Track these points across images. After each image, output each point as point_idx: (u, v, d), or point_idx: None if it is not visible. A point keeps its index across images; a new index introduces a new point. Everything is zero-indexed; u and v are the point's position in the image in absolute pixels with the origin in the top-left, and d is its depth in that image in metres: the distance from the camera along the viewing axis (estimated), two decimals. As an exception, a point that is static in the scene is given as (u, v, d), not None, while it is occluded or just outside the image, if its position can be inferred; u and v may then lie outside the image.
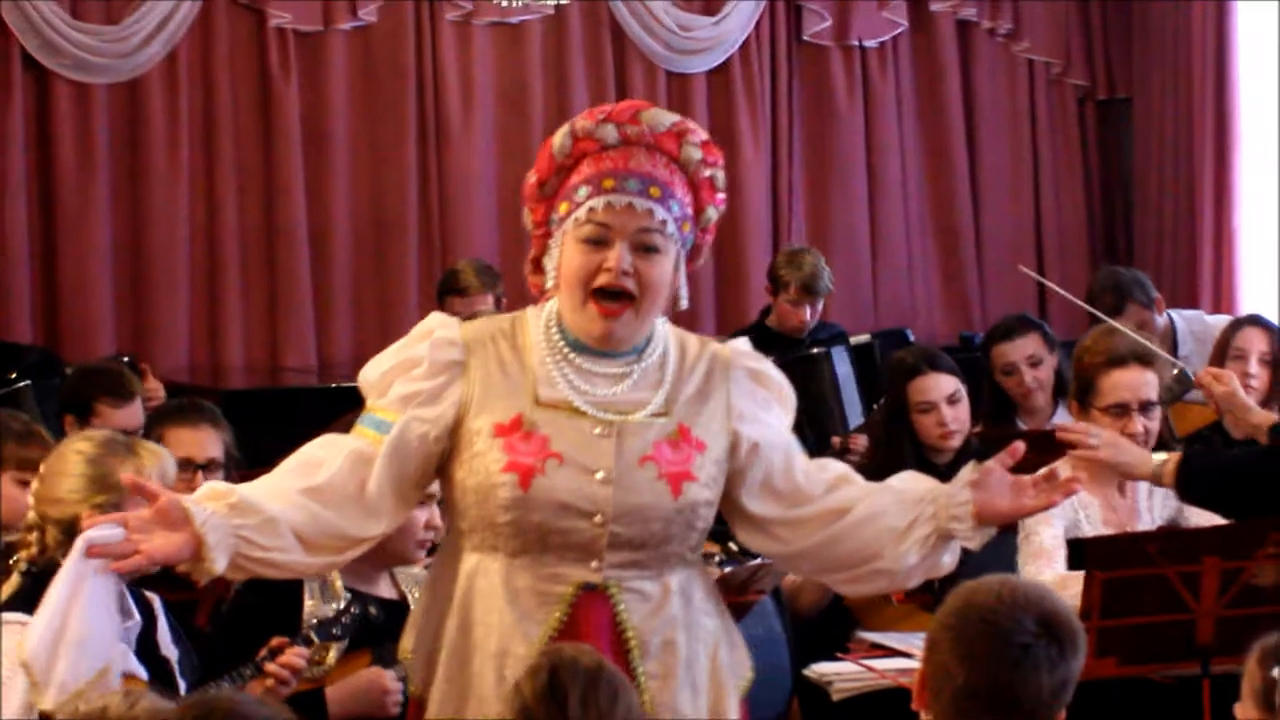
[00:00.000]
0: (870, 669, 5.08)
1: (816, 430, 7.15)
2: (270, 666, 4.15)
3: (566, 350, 3.61)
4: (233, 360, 9.34)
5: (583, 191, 3.56)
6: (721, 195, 3.71)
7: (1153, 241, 10.30)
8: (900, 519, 3.62)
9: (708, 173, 3.66)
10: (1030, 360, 6.72)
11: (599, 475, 3.53)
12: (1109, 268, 8.66)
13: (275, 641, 4.23)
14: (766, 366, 3.76)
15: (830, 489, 3.68)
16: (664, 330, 3.68)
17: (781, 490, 3.67)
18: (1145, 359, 5.34)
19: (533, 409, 3.56)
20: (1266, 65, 9.68)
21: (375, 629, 4.40)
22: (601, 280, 3.54)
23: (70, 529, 4.21)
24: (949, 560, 3.66)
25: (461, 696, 3.57)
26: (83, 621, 3.26)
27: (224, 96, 9.38)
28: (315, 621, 4.32)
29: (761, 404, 3.70)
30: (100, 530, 3.26)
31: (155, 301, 9.22)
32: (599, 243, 3.54)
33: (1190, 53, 9.96)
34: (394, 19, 9.61)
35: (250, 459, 5.78)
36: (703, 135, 3.66)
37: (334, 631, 4.30)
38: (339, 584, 4.56)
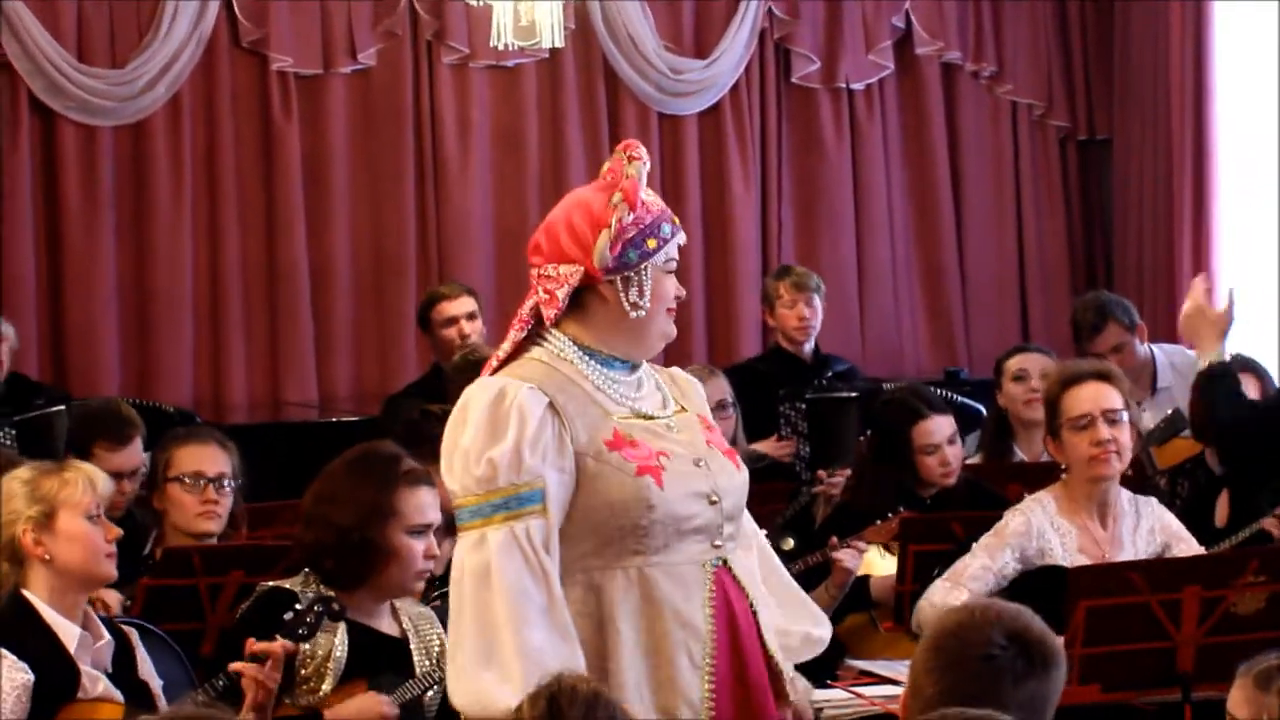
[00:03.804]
0: (859, 695, 5.15)
1: (821, 465, 7.18)
2: (239, 665, 4.15)
3: (603, 370, 3.85)
4: (236, 396, 9.42)
5: (666, 229, 3.86)
6: None
7: (1133, 278, 10.37)
8: None
9: None
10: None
11: (698, 463, 3.83)
12: (1095, 291, 8.78)
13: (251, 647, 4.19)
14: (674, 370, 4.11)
15: None
16: None
17: None
18: (1103, 375, 5.46)
19: (619, 422, 3.81)
20: (1244, 108, 9.83)
21: (371, 658, 4.41)
22: (677, 301, 3.90)
23: (13, 551, 4.33)
24: None
25: (666, 708, 3.75)
26: None
27: (227, 138, 9.48)
28: (282, 625, 4.22)
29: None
30: None
31: (160, 338, 9.30)
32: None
33: (1169, 95, 10.03)
34: (392, 62, 9.71)
35: (253, 492, 5.91)
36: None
37: (300, 631, 4.23)
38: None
